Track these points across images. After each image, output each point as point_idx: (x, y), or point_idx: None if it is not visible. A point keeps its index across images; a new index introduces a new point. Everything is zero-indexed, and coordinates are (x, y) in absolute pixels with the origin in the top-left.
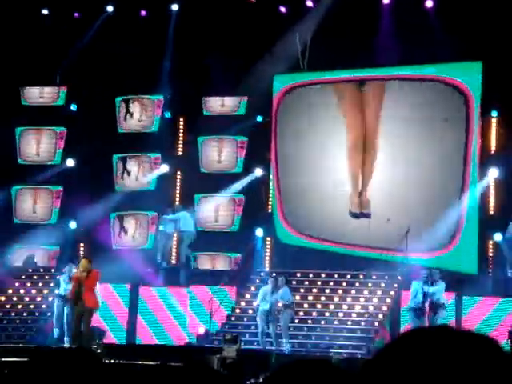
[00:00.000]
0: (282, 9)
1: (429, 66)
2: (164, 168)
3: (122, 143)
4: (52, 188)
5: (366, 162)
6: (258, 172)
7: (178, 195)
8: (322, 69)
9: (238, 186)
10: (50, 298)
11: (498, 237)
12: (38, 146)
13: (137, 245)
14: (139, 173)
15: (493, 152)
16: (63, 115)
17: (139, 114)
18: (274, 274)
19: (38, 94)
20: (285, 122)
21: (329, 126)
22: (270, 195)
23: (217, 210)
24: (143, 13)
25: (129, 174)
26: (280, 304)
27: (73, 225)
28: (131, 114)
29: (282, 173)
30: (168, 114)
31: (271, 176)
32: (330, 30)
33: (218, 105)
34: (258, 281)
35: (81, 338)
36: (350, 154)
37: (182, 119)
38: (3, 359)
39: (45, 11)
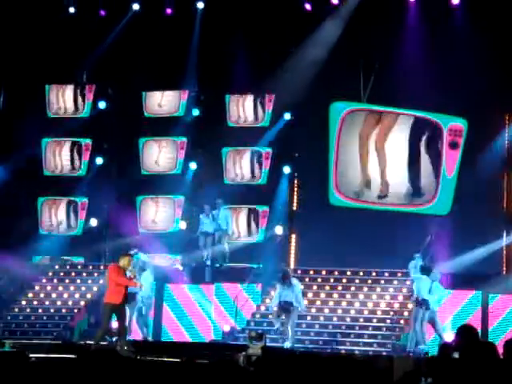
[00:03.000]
0: (307, 6)
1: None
2: None
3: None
4: None
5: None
6: (286, 170)
7: None
8: (377, 102)
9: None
10: (77, 295)
11: None
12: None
13: None
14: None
15: None
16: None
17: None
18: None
19: None
20: (345, 135)
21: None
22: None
23: None
24: (169, 11)
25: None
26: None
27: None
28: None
29: (341, 162)
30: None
31: (331, 159)
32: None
33: None
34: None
35: (121, 335)
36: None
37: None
38: (31, 355)
39: (71, 9)
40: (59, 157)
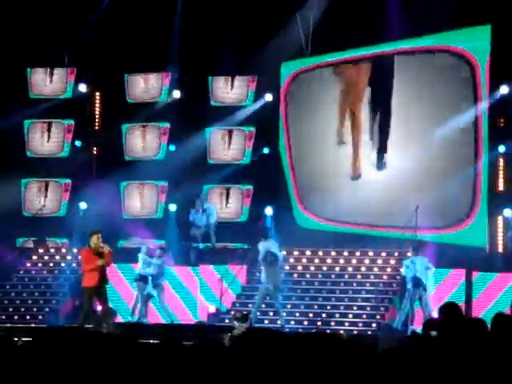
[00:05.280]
0: None
1: (434, 35)
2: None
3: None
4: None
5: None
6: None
7: None
8: (326, 51)
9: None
10: (62, 279)
11: (507, 212)
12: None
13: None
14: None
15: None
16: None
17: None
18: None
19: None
20: (294, 107)
21: (334, 106)
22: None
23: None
24: None
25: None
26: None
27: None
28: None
29: (296, 158)
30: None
31: (286, 161)
32: (331, 10)
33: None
34: None
35: (105, 316)
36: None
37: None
38: (17, 339)
39: None
40: (42, 139)
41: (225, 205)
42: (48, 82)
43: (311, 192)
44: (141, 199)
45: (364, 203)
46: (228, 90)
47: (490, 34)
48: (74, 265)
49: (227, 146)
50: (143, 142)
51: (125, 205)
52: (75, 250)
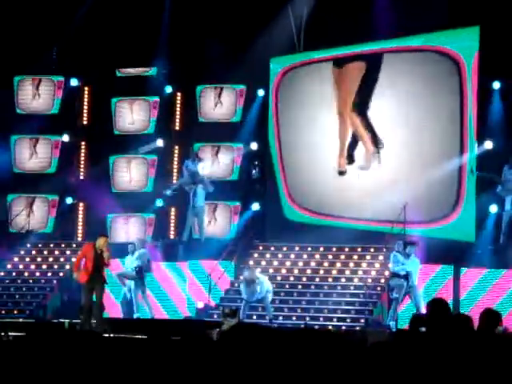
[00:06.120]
0: None
1: (422, 36)
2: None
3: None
4: None
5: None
6: (253, 146)
7: None
8: (316, 48)
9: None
10: (49, 274)
11: (493, 209)
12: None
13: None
14: None
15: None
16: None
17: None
18: None
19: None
20: (285, 103)
21: (323, 102)
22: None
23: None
24: None
25: None
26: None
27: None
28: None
29: (285, 152)
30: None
31: (275, 155)
32: (322, 7)
33: None
34: (256, 255)
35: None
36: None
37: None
38: (2, 334)
39: None
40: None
41: (213, 221)
42: (36, 97)
43: (300, 186)
44: (130, 173)
45: (352, 197)
46: (216, 105)
47: (478, 36)
48: (62, 259)
49: (216, 161)
50: (131, 116)
51: (114, 179)
52: (63, 245)
